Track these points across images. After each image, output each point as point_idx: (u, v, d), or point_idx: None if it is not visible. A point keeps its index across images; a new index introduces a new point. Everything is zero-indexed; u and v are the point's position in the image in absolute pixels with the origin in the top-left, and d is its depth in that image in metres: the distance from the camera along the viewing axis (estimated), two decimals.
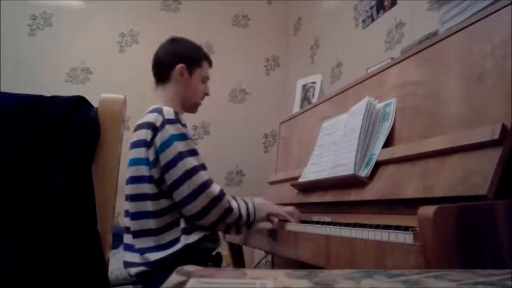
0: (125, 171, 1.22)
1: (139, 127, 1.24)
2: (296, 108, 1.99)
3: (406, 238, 0.74)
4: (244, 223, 1.22)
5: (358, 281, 0.31)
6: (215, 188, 1.16)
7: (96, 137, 0.70)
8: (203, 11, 3.19)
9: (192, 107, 1.44)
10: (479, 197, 0.71)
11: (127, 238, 1.24)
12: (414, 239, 0.72)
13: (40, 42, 2.87)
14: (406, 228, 0.80)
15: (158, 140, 1.16)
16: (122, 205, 1.26)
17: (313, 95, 1.93)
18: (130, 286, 2.03)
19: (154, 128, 1.18)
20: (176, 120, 1.19)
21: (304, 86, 2.01)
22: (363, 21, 2.23)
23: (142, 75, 3.03)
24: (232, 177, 3.11)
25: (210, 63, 1.46)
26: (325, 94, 1.89)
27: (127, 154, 1.23)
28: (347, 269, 0.35)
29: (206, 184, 1.15)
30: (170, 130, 1.17)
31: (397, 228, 0.82)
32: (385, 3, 2.03)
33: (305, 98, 1.98)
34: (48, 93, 0.74)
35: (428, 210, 0.65)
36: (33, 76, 2.78)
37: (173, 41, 1.45)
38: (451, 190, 0.78)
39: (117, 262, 2.05)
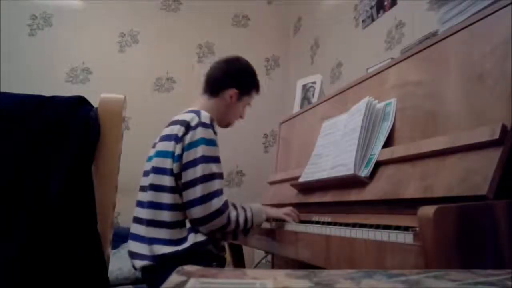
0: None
1: (174, 123, 1.28)
2: (296, 108, 1.99)
3: (406, 238, 0.74)
4: (241, 231, 1.27)
5: (358, 281, 0.31)
6: (220, 201, 1.19)
7: (96, 137, 0.70)
8: (203, 11, 3.19)
9: (225, 125, 1.48)
10: (479, 197, 0.71)
11: (137, 229, 1.26)
12: (414, 239, 0.72)
13: (40, 42, 2.87)
14: (406, 228, 0.80)
15: (188, 139, 1.21)
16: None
17: (313, 95, 1.93)
18: (130, 286, 2.03)
19: (188, 127, 1.22)
20: (210, 126, 1.24)
21: (304, 86, 2.02)
22: (363, 21, 2.23)
23: (142, 75, 3.04)
24: (232, 177, 3.11)
25: (258, 92, 1.50)
26: (325, 94, 1.89)
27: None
28: (347, 269, 0.35)
29: (216, 194, 1.18)
30: (201, 132, 1.21)
31: (397, 228, 0.83)
32: (385, 3, 2.03)
33: (305, 98, 1.98)
34: (48, 93, 0.74)
35: (428, 210, 0.65)
36: (33, 76, 2.78)
37: (238, 63, 1.47)
38: (451, 190, 0.78)
39: (117, 262, 2.06)
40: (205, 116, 1.25)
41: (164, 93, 3.07)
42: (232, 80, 1.41)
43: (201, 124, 1.22)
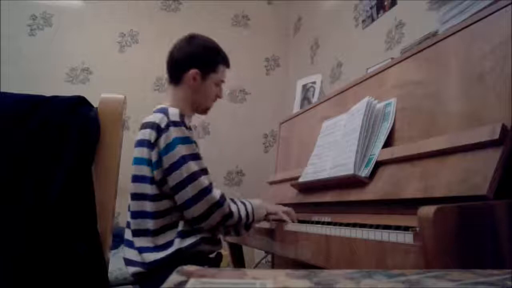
0: (126, 171, 1.22)
1: (144, 126, 1.24)
2: (296, 108, 1.99)
3: (406, 238, 0.74)
4: (243, 225, 1.24)
5: (358, 281, 0.31)
6: (216, 194, 1.17)
7: (96, 137, 0.70)
8: (203, 11, 3.19)
9: (202, 111, 1.41)
10: (479, 197, 0.71)
11: (128, 234, 1.24)
12: (414, 239, 0.72)
13: (40, 42, 2.87)
14: (406, 228, 0.80)
15: (162, 142, 1.16)
16: (122, 205, 1.26)
17: (313, 95, 1.93)
18: (130, 286, 2.03)
19: (158, 129, 1.17)
20: (181, 123, 1.19)
21: (304, 86, 2.02)
22: (363, 21, 2.23)
23: (142, 75, 3.04)
24: (232, 177, 3.11)
25: (227, 65, 1.40)
26: (325, 94, 1.89)
27: (128, 153, 1.23)
28: (347, 269, 0.35)
29: (207, 190, 1.16)
30: (174, 132, 1.16)
31: (397, 228, 0.83)
32: (385, 3, 2.03)
33: (305, 98, 1.98)
34: (48, 93, 0.74)
35: (428, 210, 0.65)
36: (33, 76, 2.78)
37: (191, 39, 1.36)
38: (451, 190, 0.78)
39: (117, 262, 2.05)
40: (173, 114, 1.19)
41: (164, 93, 3.05)
42: (190, 60, 1.32)
43: (172, 123, 1.17)
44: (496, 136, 0.74)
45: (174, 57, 1.35)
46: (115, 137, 0.72)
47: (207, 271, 0.33)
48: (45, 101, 0.72)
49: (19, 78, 2.72)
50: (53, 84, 2.79)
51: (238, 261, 1.88)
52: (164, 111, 1.20)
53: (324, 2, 2.79)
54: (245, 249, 1.85)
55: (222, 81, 1.40)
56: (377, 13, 2.10)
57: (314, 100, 1.88)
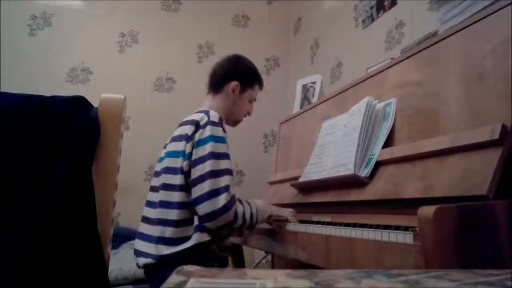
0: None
1: (184, 123, 1.31)
2: (296, 108, 1.99)
3: (406, 238, 0.74)
4: (247, 227, 1.26)
5: (358, 281, 0.31)
6: (229, 195, 1.19)
7: (96, 137, 0.70)
8: (203, 11, 3.19)
9: (233, 122, 1.51)
10: (479, 197, 0.71)
11: (144, 228, 1.28)
12: (414, 239, 0.72)
13: (40, 42, 2.87)
14: (406, 228, 0.80)
15: (197, 136, 1.24)
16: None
17: (313, 95, 1.93)
18: (130, 286, 2.03)
19: (197, 126, 1.25)
20: (219, 124, 1.27)
21: (304, 86, 2.02)
22: (363, 21, 2.23)
23: (142, 75, 3.04)
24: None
25: (261, 87, 1.54)
26: (325, 94, 1.89)
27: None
28: (347, 269, 0.35)
29: (224, 190, 1.19)
30: (210, 130, 1.24)
31: (397, 228, 0.83)
32: (385, 3, 2.03)
33: (305, 98, 1.98)
34: (48, 93, 0.74)
35: (428, 210, 0.65)
36: (33, 76, 2.78)
37: (237, 58, 1.51)
38: (451, 190, 0.78)
39: (117, 262, 2.06)
40: (214, 116, 1.28)
41: (164, 93, 3.07)
42: (233, 73, 1.45)
43: (210, 122, 1.25)
44: (496, 136, 0.74)
45: (219, 70, 1.49)
46: (115, 137, 0.72)
47: (207, 271, 0.33)
48: (45, 101, 0.72)
49: (19, 78, 2.72)
50: (53, 84, 2.79)
51: (238, 261, 1.88)
52: (206, 112, 1.29)
53: (324, 2, 2.79)
54: (245, 249, 1.85)
55: (254, 100, 1.53)
56: (377, 13, 2.10)
57: (314, 100, 1.88)
